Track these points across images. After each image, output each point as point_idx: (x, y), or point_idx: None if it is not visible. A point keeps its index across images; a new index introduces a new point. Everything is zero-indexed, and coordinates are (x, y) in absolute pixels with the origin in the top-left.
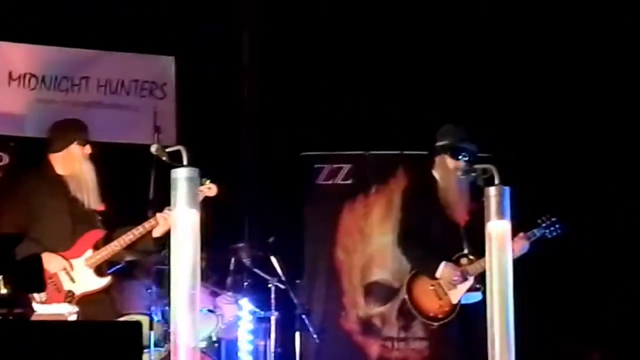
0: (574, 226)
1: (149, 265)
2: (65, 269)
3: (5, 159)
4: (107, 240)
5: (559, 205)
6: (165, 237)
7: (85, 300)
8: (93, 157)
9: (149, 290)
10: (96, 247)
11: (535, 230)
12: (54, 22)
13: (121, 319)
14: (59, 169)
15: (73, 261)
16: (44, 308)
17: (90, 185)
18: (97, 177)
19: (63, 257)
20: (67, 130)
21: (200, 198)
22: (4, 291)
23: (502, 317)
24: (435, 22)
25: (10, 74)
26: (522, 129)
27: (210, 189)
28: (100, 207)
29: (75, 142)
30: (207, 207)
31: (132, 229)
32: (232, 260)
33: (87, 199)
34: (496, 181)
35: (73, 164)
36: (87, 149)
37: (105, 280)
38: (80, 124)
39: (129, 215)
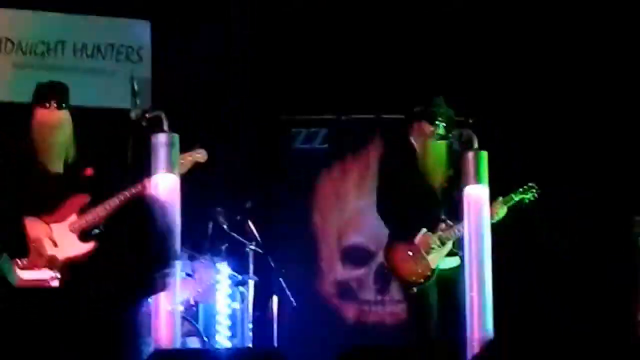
0: (551, 191)
1: None
2: (48, 233)
3: None
4: (91, 205)
5: (537, 170)
6: None
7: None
8: (73, 119)
9: None
10: (81, 212)
11: (512, 195)
12: None
13: None
14: (41, 133)
15: (56, 225)
16: (26, 274)
17: (72, 146)
18: (78, 140)
19: (46, 221)
20: (44, 93)
21: (191, 163)
22: None
23: (479, 281)
24: None
25: None
26: (501, 92)
27: (200, 155)
28: (86, 170)
29: (54, 105)
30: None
31: (118, 194)
32: (210, 224)
33: (70, 157)
34: (474, 145)
35: (53, 125)
36: (65, 111)
37: (89, 246)
38: (57, 86)
39: (111, 181)
